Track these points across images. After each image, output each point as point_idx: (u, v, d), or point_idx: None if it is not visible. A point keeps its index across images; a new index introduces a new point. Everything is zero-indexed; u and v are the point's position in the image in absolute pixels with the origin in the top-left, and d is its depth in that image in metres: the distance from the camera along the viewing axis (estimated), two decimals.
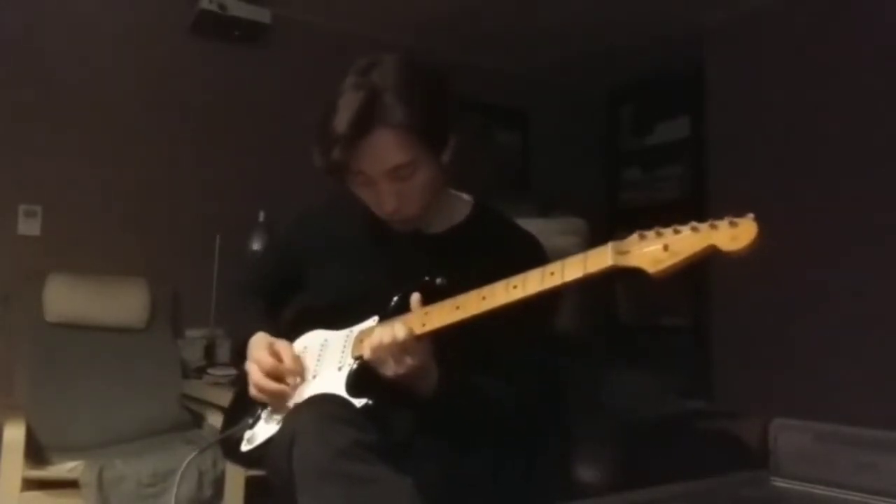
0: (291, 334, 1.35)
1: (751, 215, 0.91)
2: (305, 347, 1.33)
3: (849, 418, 1.49)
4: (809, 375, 3.07)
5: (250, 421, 1.30)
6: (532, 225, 1.44)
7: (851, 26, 3.14)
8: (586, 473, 2.20)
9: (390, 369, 1.13)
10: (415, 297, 1.17)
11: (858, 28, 3.11)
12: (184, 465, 1.35)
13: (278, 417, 1.25)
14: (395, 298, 1.23)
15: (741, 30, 3.57)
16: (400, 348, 1.11)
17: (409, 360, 1.12)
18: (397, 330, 1.11)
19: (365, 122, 1.18)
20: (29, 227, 2.99)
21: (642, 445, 2.62)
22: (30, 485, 2.26)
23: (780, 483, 1.50)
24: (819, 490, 1.44)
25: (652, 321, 4.38)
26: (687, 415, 3.18)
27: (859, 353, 2.95)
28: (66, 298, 2.81)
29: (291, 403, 1.24)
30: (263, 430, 1.27)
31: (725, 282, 3.46)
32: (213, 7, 3.20)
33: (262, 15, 3.33)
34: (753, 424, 2.72)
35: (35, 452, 2.39)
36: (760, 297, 3.26)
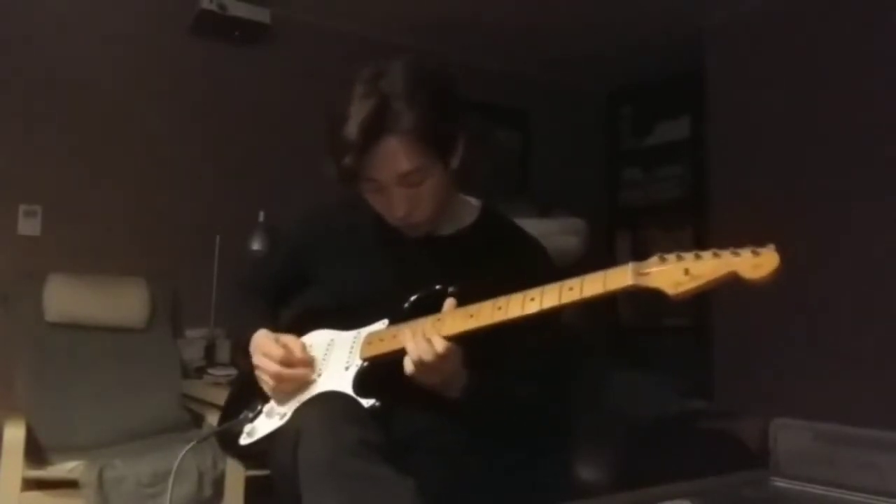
0: (295, 333, 1.35)
1: (772, 245, 0.92)
2: (310, 346, 1.33)
3: (849, 418, 1.49)
4: (809, 375, 3.07)
5: (250, 415, 1.30)
6: (532, 225, 1.44)
7: (851, 26, 3.14)
8: (588, 473, 2.20)
9: (431, 378, 1.15)
10: (449, 302, 1.17)
11: (858, 28, 3.11)
12: (180, 456, 1.35)
13: (280, 412, 1.26)
14: (408, 303, 1.23)
15: (741, 30, 3.57)
16: (440, 359, 1.12)
17: (448, 367, 1.14)
18: (437, 344, 1.11)
19: (374, 130, 1.19)
20: (29, 227, 2.99)
21: (643, 445, 2.62)
22: (30, 485, 2.27)
23: (780, 483, 1.50)
24: (819, 490, 1.44)
25: (652, 322, 4.38)
26: (687, 415, 3.17)
27: (859, 353, 2.95)
28: (66, 298, 2.81)
29: (297, 398, 1.24)
30: (264, 424, 1.27)
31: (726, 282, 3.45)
32: (213, 7, 3.20)
33: (262, 15, 3.33)
34: (753, 424, 2.72)
35: (35, 452, 2.39)
36: (760, 297, 3.25)
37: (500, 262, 1.31)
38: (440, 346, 1.11)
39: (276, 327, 1.38)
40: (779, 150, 3.37)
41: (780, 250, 0.91)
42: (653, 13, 3.62)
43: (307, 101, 3.39)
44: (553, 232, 1.54)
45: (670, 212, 4.42)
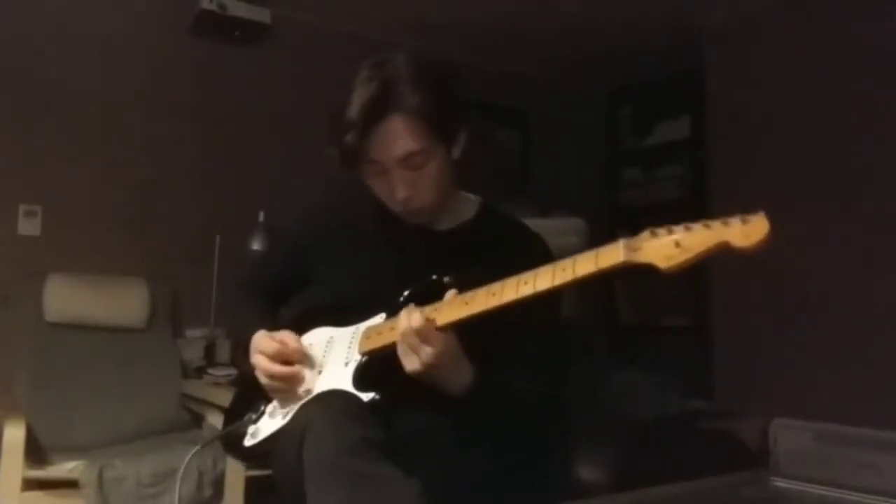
0: (296, 332, 1.35)
1: (762, 212, 0.91)
2: (311, 344, 1.33)
3: (849, 418, 1.49)
4: (809, 375, 3.07)
5: (253, 416, 1.30)
6: (532, 225, 1.44)
7: (851, 26, 3.14)
8: (588, 473, 2.20)
9: (411, 361, 1.13)
10: (451, 293, 1.16)
11: (858, 28, 3.11)
12: (185, 461, 1.36)
13: (283, 412, 1.26)
14: (404, 296, 1.23)
15: (741, 30, 3.58)
16: (417, 336, 1.11)
17: (428, 349, 1.12)
18: (413, 318, 1.11)
19: (378, 109, 1.20)
20: (29, 227, 2.99)
21: (643, 445, 2.62)
22: (30, 485, 2.27)
23: (780, 483, 1.50)
24: (819, 490, 1.44)
25: (652, 321, 4.38)
26: (687, 415, 3.17)
27: (859, 353, 2.95)
28: (66, 298, 2.81)
29: (299, 393, 1.25)
30: (267, 424, 1.27)
31: (725, 282, 3.46)
32: (213, 7, 3.20)
33: (262, 15, 3.34)
34: (753, 424, 2.72)
35: (35, 452, 2.39)
36: (761, 297, 3.26)
37: (500, 255, 1.30)
38: (416, 320, 1.11)
39: (276, 327, 1.37)
40: (779, 150, 3.37)
41: (770, 218, 0.90)
42: (653, 13, 3.62)
43: (307, 101, 3.39)
44: (553, 232, 1.54)
45: (670, 212, 4.37)
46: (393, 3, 3.55)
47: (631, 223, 4.60)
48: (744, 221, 0.91)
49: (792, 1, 3.35)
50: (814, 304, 3.11)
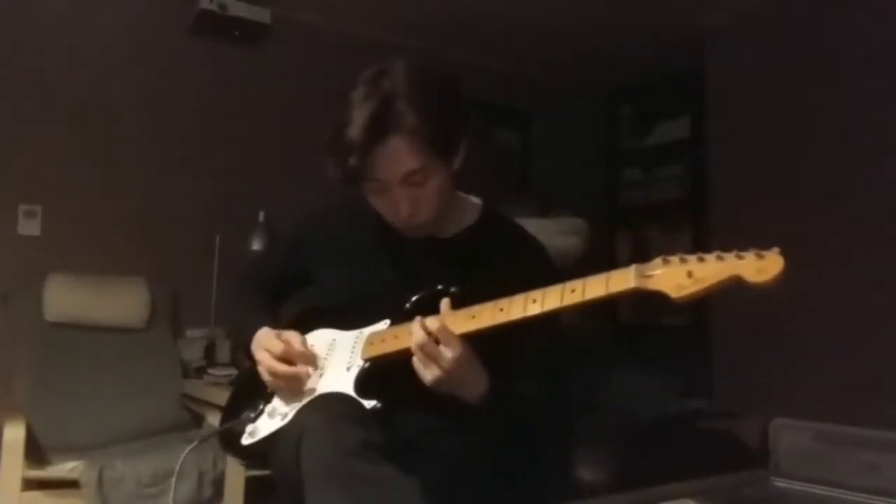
0: (296, 331, 1.35)
1: (776, 249, 0.91)
2: (313, 344, 1.33)
3: (849, 418, 1.49)
4: (809, 375, 3.07)
5: (252, 415, 1.30)
6: (532, 225, 1.44)
7: (851, 26, 3.14)
8: (588, 473, 2.20)
9: (432, 371, 1.12)
10: (444, 303, 1.17)
11: (858, 28, 3.11)
12: (182, 456, 1.36)
13: (282, 412, 1.26)
14: (409, 302, 1.24)
15: (741, 30, 3.57)
16: (436, 341, 1.11)
17: (448, 354, 1.11)
18: (429, 323, 1.11)
19: (379, 130, 1.19)
20: (29, 227, 2.99)
21: (643, 445, 2.62)
22: (30, 485, 2.27)
23: (780, 483, 1.50)
24: (819, 490, 1.44)
25: (652, 321, 4.38)
26: (687, 415, 3.18)
27: (859, 353, 2.95)
28: (66, 298, 2.81)
29: (300, 393, 1.25)
30: (266, 424, 1.28)
31: (729, 285, 3.46)
32: (213, 7, 3.20)
33: (262, 15, 3.33)
34: (753, 424, 2.72)
35: (35, 452, 2.39)
36: (761, 296, 3.25)
37: (501, 262, 1.30)
38: (433, 324, 1.10)
39: (276, 324, 1.38)
40: (779, 150, 3.37)
41: (784, 252, 0.90)
42: (653, 13, 3.62)
43: (307, 101, 3.39)
44: (553, 232, 1.54)
45: (670, 212, 4.43)
46: (393, 3, 3.54)
47: (631, 223, 4.66)
48: (758, 256, 0.91)
49: (792, 1, 3.35)
50: (814, 304, 3.10)
